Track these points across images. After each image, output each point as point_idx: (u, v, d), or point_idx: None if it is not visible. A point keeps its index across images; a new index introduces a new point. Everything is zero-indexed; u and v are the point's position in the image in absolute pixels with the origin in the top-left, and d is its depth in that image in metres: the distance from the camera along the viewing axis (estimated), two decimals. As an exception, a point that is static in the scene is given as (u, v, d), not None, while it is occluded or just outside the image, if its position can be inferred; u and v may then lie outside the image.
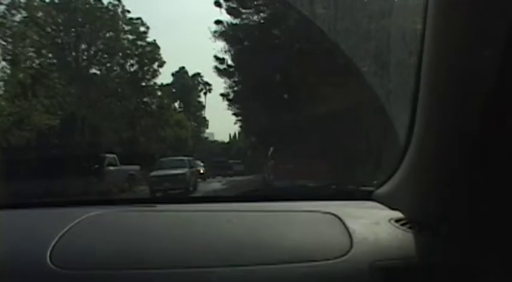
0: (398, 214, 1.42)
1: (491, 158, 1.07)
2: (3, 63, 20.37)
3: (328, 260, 1.23)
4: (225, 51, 23.38)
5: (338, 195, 1.85)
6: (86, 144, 22.02)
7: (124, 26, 29.40)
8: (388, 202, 1.52)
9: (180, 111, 38.15)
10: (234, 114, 27.29)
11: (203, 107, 42.62)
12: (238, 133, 36.60)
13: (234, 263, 1.26)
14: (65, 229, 1.48)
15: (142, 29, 29.78)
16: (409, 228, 1.33)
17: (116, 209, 1.73)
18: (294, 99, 17.57)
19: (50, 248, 1.39)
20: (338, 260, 1.23)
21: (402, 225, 1.36)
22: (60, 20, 26.90)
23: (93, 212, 1.61)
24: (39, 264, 1.33)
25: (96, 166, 16.91)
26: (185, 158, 20.16)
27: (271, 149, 16.65)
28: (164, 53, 30.16)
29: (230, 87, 25.31)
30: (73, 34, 27.95)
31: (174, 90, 38.28)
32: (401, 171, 1.41)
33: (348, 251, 1.26)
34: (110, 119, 25.61)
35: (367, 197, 1.67)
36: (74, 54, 28.07)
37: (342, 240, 1.30)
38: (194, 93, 42.07)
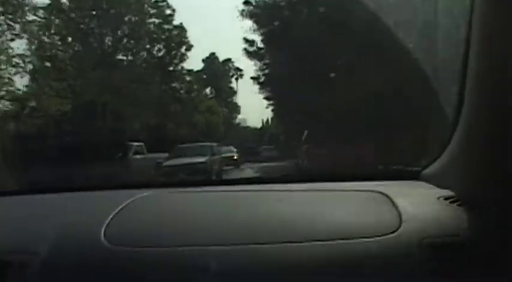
0: (447, 192, 1.43)
1: None
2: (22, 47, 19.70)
3: (378, 236, 1.26)
4: (254, 30, 22.70)
5: (385, 175, 1.86)
6: (110, 132, 21.45)
7: (149, 9, 28.98)
8: (437, 181, 1.53)
9: (211, 98, 38.09)
10: (266, 98, 26.79)
11: (235, 92, 42.81)
12: (271, 118, 36.10)
13: (284, 240, 1.30)
14: (117, 210, 1.58)
15: (168, 11, 29.37)
16: (459, 206, 1.34)
17: (163, 191, 1.84)
18: (329, 79, 16.63)
19: (104, 227, 1.48)
20: (387, 236, 1.26)
21: (452, 203, 1.36)
22: (84, 5, 26.35)
23: (141, 194, 1.72)
24: (95, 241, 1.43)
25: (121, 154, 16.17)
26: (207, 143, 18.43)
27: (306, 132, 15.72)
28: (194, 39, 29.55)
29: (261, 69, 24.92)
30: (97, 19, 27.52)
31: (204, 76, 38.11)
32: (450, 151, 1.43)
33: (398, 228, 1.28)
34: (137, 106, 25.29)
35: (415, 176, 1.69)
36: (98, 39, 27.70)
37: (391, 217, 1.33)
38: (225, 79, 42.08)
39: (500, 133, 1.17)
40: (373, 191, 1.53)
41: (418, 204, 1.43)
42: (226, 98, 41.33)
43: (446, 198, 1.41)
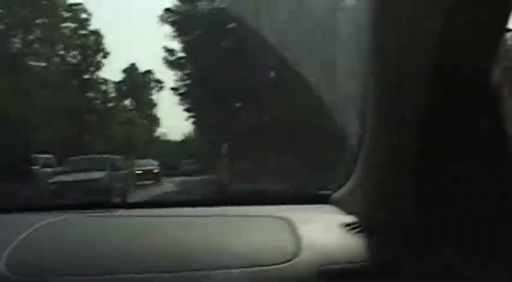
0: (351, 219, 1.47)
1: (436, 166, 1.16)
2: None
3: (275, 264, 1.30)
4: (173, 37, 22.40)
5: (295, 199, 1.90)
6: (15, 143, 19.98)
7: (64, 12, 27.89)
8: (344, 207, 1.59)
9: (131, 109, 37.63)
10: (187, 109, 26.20)
11: (155, 105, 43.01)
12: (193, 131, 35.79)
13: (181, 269, 1.33)
14: (22, 236, 1.51)
15: (84, 15, 28.41)
16: (359, 232, 1.39)
17: (75, 215, 1.78)
18: (248, 94, 16.54)
19: (6, 256, 1.41)
20: (285, 264, 1.29)
21: (352, 229, 1.41)
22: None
23: (50, 218, 1.66)
24: None
25: (24, 168, 14.92)
26: (106, 156, 15.93)
27: (225, 145, 15.44)
28: (114, 49, 28.89)
29: (181, 80, 24.29)
30: (6, 21, 25.90)
31: (124, 88, 37.89)
32: (355, 177, 1.49)
33: (296, 256, 1.31)
34: (48, 115, 23.81)
35: (324, 201, 1.74)
36: (7, 42, 26.08)
37: (291, 244, 1.36)
38: (146, 91, 42.29)
39: (398, 160, 1.22)
40: (277, 217, 1.53)
41: (320, 230, 1.46)
42: (147, 110, 41.18)
43: (349, 225, 1.44)
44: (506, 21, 1.02)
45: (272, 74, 14.84)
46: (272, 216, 1.56)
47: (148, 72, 41.37)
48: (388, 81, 1.20)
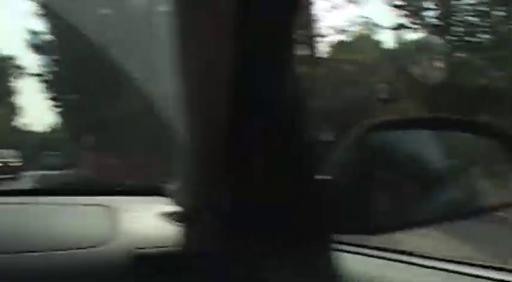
0: (177, 209, 1.52)
1: (249, 160, 1.23)
2: None
3: (92, 247, 1.39)
4: (40, 15, 21.01)
5: (132, 191, 1.99)
6: None
7: None
8: (174, 198, 1.64)
9: None
10: (52, 99, 24.75)
11: (15, 92, 40.86)
12: (60, 122, 34.13)
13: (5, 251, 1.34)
14: None
15: None
16: (181, 221, 1.45)
17: None
18: (106, 88, 16.08)
19: None
20: (101, 247, 1.39)
21: (176, 219, 1.47)
22: None
23: None
24: None
25: None
26: None
27: (87, 140, 15.06)
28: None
29: (47, 66, 22.80)
30: None
31: None
32: (184, 170, 1.54)
33: (112, 240, 1.41)
34: None
35: (158, 192, 1.78)
36: None
37: (110, 230, 1.45)
38: (5, 78, 40.05)
39: (216, 155, 1.29)
40: (104, 206, 1.62)
41: (140, 218, 1.54)
42: (6, 98, 39.12)
43: (172, 214, 1.51)
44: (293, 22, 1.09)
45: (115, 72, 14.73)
46: (101, 205, 1.65)
47: (9, 58, 39.22)
48: (195, 80, 1.28)
